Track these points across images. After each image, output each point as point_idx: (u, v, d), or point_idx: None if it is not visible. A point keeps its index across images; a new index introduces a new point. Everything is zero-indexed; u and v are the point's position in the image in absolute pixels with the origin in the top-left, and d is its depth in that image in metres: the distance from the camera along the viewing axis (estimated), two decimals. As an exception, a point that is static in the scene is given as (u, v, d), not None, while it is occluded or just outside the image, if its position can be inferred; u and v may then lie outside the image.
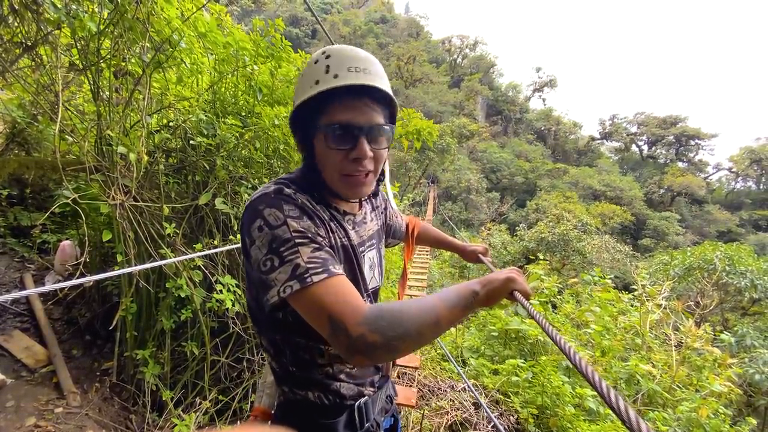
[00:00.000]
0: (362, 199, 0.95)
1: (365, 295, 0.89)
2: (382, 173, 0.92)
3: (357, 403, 0.87)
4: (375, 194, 1.03)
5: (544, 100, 55.05)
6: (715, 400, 3.04)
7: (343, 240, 0.82)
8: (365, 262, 0.91)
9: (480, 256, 1.38)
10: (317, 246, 0.69)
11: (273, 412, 0.92)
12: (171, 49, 2.33)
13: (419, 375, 3.19)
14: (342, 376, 0.86)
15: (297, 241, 0.67)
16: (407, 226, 1.32)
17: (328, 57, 0.75)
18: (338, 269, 0.68)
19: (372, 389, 0.92)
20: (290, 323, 0.77)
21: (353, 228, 0.88)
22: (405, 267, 1.39)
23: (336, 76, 0.72)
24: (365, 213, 0.96)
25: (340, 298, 0.63)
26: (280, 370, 0.86)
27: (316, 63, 0.76)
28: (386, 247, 1.20)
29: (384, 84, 0.77)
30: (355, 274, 0.85)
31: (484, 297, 0.71)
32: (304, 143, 0.81)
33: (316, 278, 0.64)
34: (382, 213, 1.08)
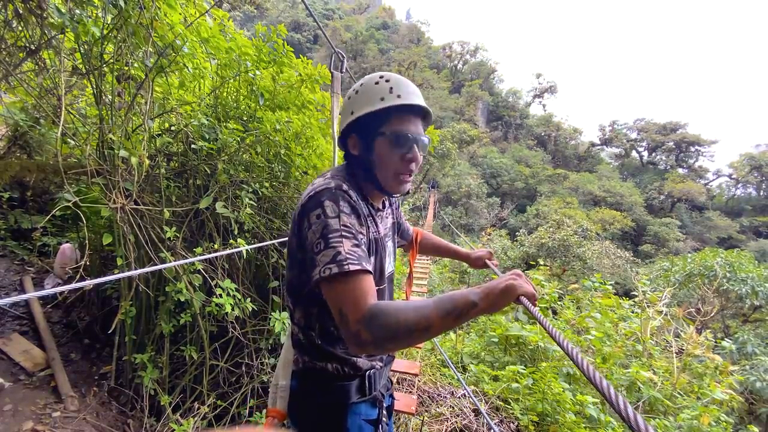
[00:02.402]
0: (386, 198, 1.13)
1: (385, 280, 1.06)
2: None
3: (368, 372, 1.01)
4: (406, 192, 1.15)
5: (544, 105, 55.19)
6: (717, 407, 3.02)
7: (375, 234, 0.98)
8: (387, 251, 1.07)
9: (486, 261, 1.40)
10: (357, 243, 0.81)
11: (289, 393, 1.03)
12: (174, 54, 2.34)
13: (419, 381, 3.17)
14: (370, 372, 1.00)
15: (344, 233, 0.80)
16: (412, 235, 1.46)
17: (388, 81, 0.94)
18: (368, 266, 0.79)
19: (380, 364, 1.07)
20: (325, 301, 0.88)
21: (381, 222, 1.05)
22: (410, 270, 1.50)
23: (399, 96, 0.92)
24: (386, 209, 1.13)
25: (358, 293, 0.74)
26: (306, 341, 0.97)
27: (377, 84, 0.94)
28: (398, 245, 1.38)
29: (426, 105, 0.97)
30: (381, 262, 1.01)
31: (484, 307, 0.73)
32: (364, 147, 0.96)
33: (352, 267, 0.76)
34: (396, 210, 1.25)
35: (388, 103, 0.91)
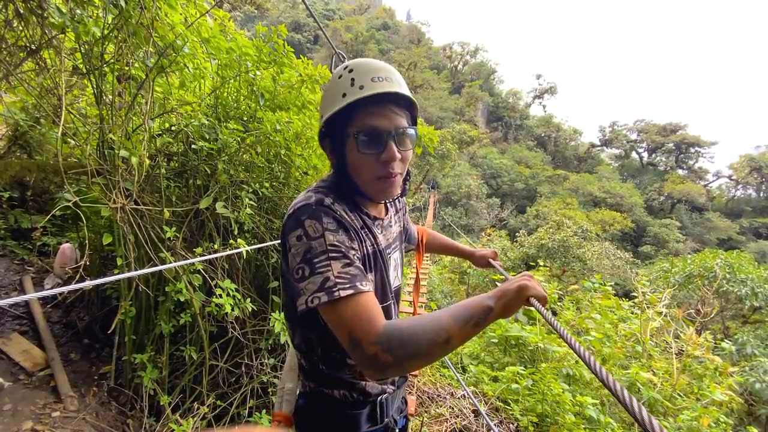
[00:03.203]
0: (388, 202, 1.01)
1: (390, 296, 0.94)
2: (408, 173, 0.96)
3: (379, 399, 0.93)
4: (403, 194, 1.04)
5: (544, 106, 55.27)
6: (716, 408, 3.02)
7: (373, 246, 0.88)
8: (391, 263, 0.96)
9: (490, 260, 1.38)
10: (348, 261, 0.73)
11: (296, 406, 0.96)
12: (174, 54, 2.34)
13: (418, 382, 3.17)
14: (381, 397, 0.92)
15: (331, 254, 0.72)
16: (417, 234, 1.36)
17: (351, 71, 0.81)
18: (365, 286, 0.72)
19: (393, 387, 0.98)
20: (325, 325, 0.80)
21: (381, 232, 0.94)
22: (417, 274, 1.42)
23: (362, 87, 0.78)
24: (390, 216, 1.02)
25: (362, 315, 0.68)
26: (309, 367, 0.90)
27: (340, 78, 0.82)
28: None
29: (404, 89, 0.82)
30: (382, 277, 0.90)
31: (500, 311, 0.70)
32: (336, 153, 0.86)
33: (342, 293, 0.69)
34: (403, 216, 1.14)
35: (351, 98, 0.78)
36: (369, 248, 0.86)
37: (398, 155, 0.81)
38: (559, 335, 0.67)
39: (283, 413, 0.96)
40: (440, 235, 1.51)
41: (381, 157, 0.80)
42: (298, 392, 0.98)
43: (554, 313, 5.15)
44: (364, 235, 0.85)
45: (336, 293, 0.68)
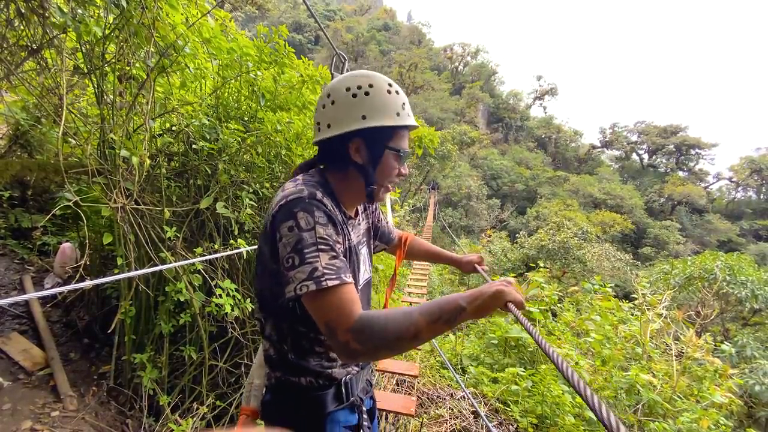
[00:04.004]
0: (360, 205, 1.11)
1: (360, 287, 1.02)
2: None
3: (344, 379, 0.99)
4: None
5: (544, 108, 55.24)
6: (716, 411, 3.01)
7: (348, 242, 0.94)
8: (360, 258, 1.05)
9: (476, 266, 1.39)
10: (335, 254, 0.79)
11: (262, 401, 1.02)
12: (175, 54, 2.35)
13: (418, 383, 3.17)
14: (334, 363, 0.97)
15: (320, 246, 0.78)
16: (400, 238, 1.43)
17: (398, 93, 0.93)
18: (348, 278, 0.78)
19: (357, 368, 1.05)
20: (301, 314, 0.84)
21: (353, 230, 1.01)
22: (395, 273, 1.46)
23: (409, 116, 0.94)
24: (359, 215, 1.10)
25: (343, 305, 0.74)
26: (277, 356, 0.95)
27: (389, 93, 0.91)
28: (377, 251, 1.36)
29: None
30: (354, 270, 0.97)
31: (472, 312, 0.73)
32: (371, 156, 0.93)
33: (330, 283, 0.75)
34: (371, 214, 1.22)
35: (403, 122, 0.92)
36: (347, 243, 0.93)
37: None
38: (534, 339, 0.68)
39: (250, 407, 1.02)
40: (425, 242, 1.53)
41: (402, 171, 0.98)
42: (264, 388, 1.03)
43: (554, 314, 5.14)
44: (345, 230, 0.92)
45: (324, 283, 0.74)
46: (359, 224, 1.09)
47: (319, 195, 0.83)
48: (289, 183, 0.88)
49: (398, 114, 0.91)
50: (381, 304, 1.46)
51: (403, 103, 0.93)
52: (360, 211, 1.11)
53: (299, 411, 0.95)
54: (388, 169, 0.95)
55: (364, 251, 1.10)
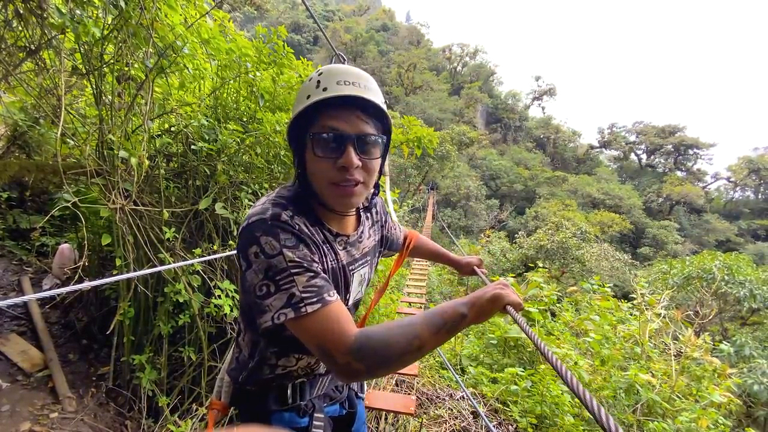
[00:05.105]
0: (363, 216, 0.99)
1: (348, 307, 0.92)
2: (377, 186, 0.94)
3: (291, 383, 0.94)
4: (369, 208, 1.02)
5: (543, 108, 55.40)
6: (715, 410, 3.01)
7: (333, 263, 0.85)
8: (355, 279, 0.94)
9: (475, 268, 1.38)
10: (313, 274, 0.72)
11: (231, 396, 1.00)
12: (174, 55, 2.34)
13: (418, 383, 3.17)
14: (295, 382, 0.95)
15: (293, 270, 0.70)
16: (405, 238, 1.33)
17: (320, 74, 0.78)
18: (332, 296, 0.72)
19: (316, 374, 0.99)
20: (283, 337, 0.81)
21: (344, 248, 0.90)
22: (387, 279, 1.42)
23: (325, 89, 0.75)
24: (362, 231, 0.97)
25: (332, 327, 0.68)
26: (237, 365, 0.95)
27: (310, 80, 0.79)
28: (381, 257, 1.21)
29: (374, 97, 0.77)
30: (340, 292, 0.88)
31: (473, 317, 0.72)
32: (297, 156, 0.83)
33: (310, 308, 0.68)
34: (381, 226, 1.10)
35: (313, 99, 0.75)
36: (330, 263, 0.83)
37: (357, 162, 0.76)
38: (532, 342, 0.69)
39: (221, 402, 1.01)
40: (430, 241, 1.48)
41: (338, 162, 0.75)
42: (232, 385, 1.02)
43: (553, 314, 5.15)
44: (326, 249, 0.83)
45: (303, 309, 0.68)
46: (360, 241, 0.96)
47: (285, 216, 0.74)
48: (262, 199, 0.81)
49: (308, 96, 0.76)
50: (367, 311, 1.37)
51: (318, 81, 0.76)
52: (367, 226, 1.00)
53: (247, 408, 0.97)
54: (312, 164, 0.78)
55: (363, 271, 0.98)
